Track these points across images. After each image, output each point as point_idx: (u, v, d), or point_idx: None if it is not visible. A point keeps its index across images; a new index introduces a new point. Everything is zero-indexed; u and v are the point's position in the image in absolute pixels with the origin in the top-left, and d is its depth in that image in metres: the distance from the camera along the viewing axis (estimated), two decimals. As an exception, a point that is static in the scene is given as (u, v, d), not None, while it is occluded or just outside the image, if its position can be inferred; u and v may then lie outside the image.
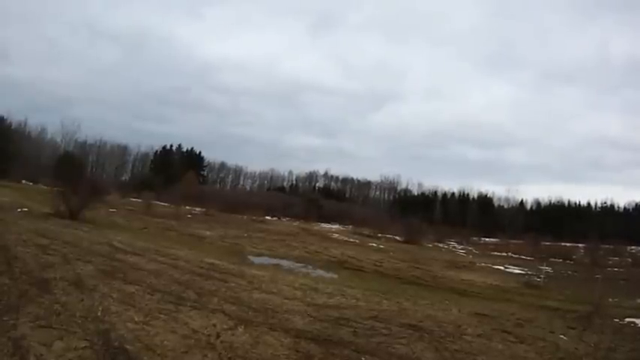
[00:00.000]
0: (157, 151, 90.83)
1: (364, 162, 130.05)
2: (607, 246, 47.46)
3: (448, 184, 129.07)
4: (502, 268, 31.89)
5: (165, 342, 6.83)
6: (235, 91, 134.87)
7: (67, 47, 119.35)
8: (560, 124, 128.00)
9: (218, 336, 7.51)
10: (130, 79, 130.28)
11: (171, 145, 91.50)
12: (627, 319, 14.15)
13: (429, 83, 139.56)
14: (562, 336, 11.04)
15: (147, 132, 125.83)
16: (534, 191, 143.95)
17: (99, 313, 7.80)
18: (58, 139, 78.08)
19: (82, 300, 8.53)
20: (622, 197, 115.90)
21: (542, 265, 29.66)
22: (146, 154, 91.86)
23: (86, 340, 6.41)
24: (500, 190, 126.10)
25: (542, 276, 25.47)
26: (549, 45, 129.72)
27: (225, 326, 8.10)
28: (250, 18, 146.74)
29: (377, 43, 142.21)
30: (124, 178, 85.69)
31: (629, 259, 45.41)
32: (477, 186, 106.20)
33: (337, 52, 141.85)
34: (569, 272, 33.05)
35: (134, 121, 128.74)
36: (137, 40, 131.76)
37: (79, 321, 7.24)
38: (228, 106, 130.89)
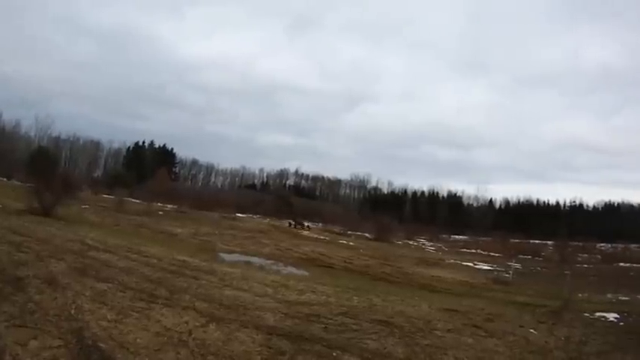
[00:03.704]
0: (129, 147, 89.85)
1: (336, 161, 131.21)
2: (576, 243, 47.64)
3: (419, 183, 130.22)
4: (471, 264, 31.98)
5: (138, 340, 6.83)
6: (212, 90, 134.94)
7: (45, 42, 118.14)
8: (532, 127, 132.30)
9: (190, 333, 7.51)
10: (108, 75, 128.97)
11: (143, 142, 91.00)
12: (598, 314, 14.34)
13: (403, 85, 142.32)
14: (532, 330, 11.17)
15: (123, 128, 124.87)
16: (504, 191, 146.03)
17: (72, 312, 7.74)
18: (32, 134, 76.75)
19: (56, 298, 8.44)
20: (592, 197, 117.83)
21: (511, 262, 29.58)
22: (119, 150, 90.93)
23: (60, 338, 6.38)
24: (470, 189, 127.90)
25: (510, 272, 25.55)
26: (524, 51, 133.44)
27: (197, 323, 8.10)
28: (230, 18, 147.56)
29: (353, 45, 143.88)
30: (96, 174, 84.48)
31: (599, 256, 45.81)
32: (447, 185, 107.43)
33: (314, 53, 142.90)
34: (539, 269, 33.29)
35: (110, 117, 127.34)
36: (117, 37, 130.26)
37: (53, 319, 7.19)
38: (204, 104, 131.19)
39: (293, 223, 52.34)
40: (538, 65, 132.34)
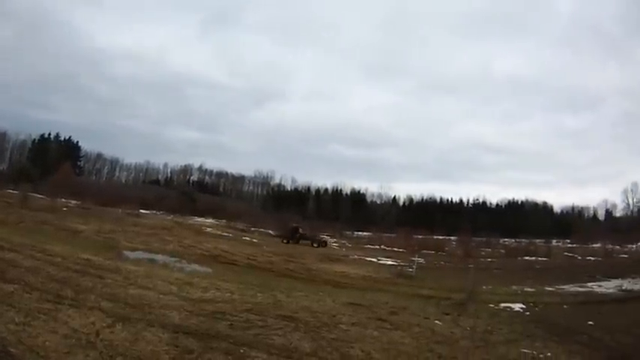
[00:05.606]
0: (34, 140, 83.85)
1: (241, 157, 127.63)
2: (480, 239, 49.08)
3: (324, 180, 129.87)
4: (375, 260, 32.18)
5: (47, 343, 6.66)
6: (123, 82, 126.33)
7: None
8: (438, 129, 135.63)
9: (98, 334, 7.37)
10: (20, 61, 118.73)
11: (49, 134, 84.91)
12: (503, 304, 15.00)
13: (312, 86, 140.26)
14: (437, 321, 11.58)
15: (31, 119, 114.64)
16: (409, 189, 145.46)
17: (-21, 315, 7.43)
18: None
19: (-38, 302, 8.05)
20: (495, 195, 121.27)
21: (414, 257, 29.24)
22: (24, 142, 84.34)
23: (-30, 345, 6.13)
24: (373, 187, 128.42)
25: (414, 267, 25.33)
26: (434, 58, 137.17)
27: (103, 324, 7.94)
28: (146, 8, 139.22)
29: (267, 44, 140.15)
30: (1, 167, 78.10)
31: (503, 251, 46.83)
32: (351, 183, 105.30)
33: (226, 49, 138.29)
34: (442, 263, 34.25)
35: (19, 106, 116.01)
36: (32, 22, 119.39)
37: (-39, 324, 6.88)
38: (114, 96, 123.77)
39: (287, 236, 42.43)
40: (447, 72, 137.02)
